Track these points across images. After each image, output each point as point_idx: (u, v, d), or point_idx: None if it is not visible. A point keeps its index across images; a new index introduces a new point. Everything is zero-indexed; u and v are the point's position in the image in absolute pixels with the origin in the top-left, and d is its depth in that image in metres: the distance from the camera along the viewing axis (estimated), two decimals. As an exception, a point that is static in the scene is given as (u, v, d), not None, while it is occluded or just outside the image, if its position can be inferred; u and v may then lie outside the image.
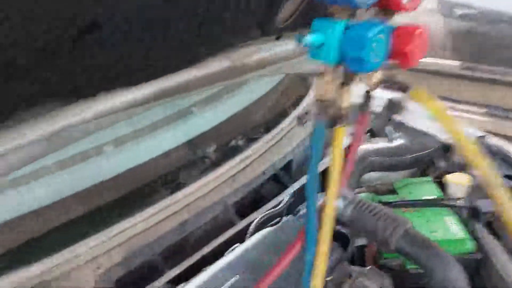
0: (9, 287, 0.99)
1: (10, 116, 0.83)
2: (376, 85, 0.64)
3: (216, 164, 1.39)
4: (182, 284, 1.04)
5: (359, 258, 1.26)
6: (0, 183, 1.11)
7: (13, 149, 0.86)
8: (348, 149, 0.75)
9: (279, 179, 1.56)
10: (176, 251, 1.23)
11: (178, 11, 0.87)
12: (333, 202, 0.70)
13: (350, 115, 0.61)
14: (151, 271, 1.17)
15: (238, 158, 1.41)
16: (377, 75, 0.62)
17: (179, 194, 1.28)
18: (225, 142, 1.50)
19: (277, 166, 1.56)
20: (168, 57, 1.01)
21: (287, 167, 1.60)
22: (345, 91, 0.59)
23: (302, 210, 1.30)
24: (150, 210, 1.23)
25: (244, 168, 1.42)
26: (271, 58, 1.20)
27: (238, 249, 1.11)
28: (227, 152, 1.45)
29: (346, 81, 0.58)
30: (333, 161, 0.65)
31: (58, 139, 0.94)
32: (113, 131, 1.34)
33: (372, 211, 1.16)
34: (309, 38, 0.48)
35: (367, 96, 0.68)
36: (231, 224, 1.30)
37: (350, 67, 0.52)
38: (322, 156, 0.70)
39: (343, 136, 0.64)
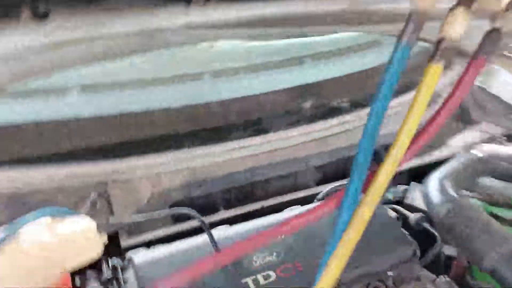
0: (70, 175, 1.01)
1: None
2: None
3: (308, 119, 1.25)
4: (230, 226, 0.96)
5: (442, 269, 1.05)
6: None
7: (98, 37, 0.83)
8: (444, 101, 0.53)
9: (376, 156, 1.36)
10: (239, 195, 1.15)
11: None
12: (394, 164, 0.52)
13: (454, 51, 0.43)
14: (208, 206, 1.12)
15: (335, 121, 1.25)
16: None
17: (259, 139, 1.18)
18: (326, 101, 1.34)
19: (379, 142, 1.37)
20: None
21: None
22: (460, 13, 0.41)
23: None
24: (224, 146, 1.16)
25: (338, 133, 1.25)
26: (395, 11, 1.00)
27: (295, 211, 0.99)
28: (325, 112, 1.30)
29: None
30: (415, 103, 0.47)
31: (149, 38, 0.89)
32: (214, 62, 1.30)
33: (476, 220, 0.94)
34: None
35: (494, 35, 0.46)
36: (305, 187, 1.18)
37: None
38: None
39: (437, 77, 0.45)
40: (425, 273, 0.91)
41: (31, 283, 0.71)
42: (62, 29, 0.78)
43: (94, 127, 1.13)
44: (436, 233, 1.05)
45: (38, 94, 1.16)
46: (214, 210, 1.10)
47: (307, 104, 1.27)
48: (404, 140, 0.49)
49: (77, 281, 0.87)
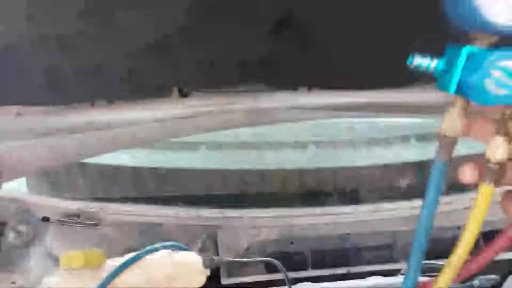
0: (189, 217, 1.24)
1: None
2: None
3: (403, 197, 1.33)
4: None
5: None
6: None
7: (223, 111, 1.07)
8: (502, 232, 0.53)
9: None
10: (328, 257, 1.26)
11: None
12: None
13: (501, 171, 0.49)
14: (298, 263, 1.24)
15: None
16: None
17: (353, 208, 1.29)
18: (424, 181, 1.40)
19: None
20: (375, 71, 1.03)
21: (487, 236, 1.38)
22: (500, 140, 0.49)
23: None
24: (320, 210, 1.29)
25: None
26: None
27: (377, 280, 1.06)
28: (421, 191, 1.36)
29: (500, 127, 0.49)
30: (467, 228, 0.49)
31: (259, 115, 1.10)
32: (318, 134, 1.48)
33: None
34: (423, 60, 0.44)
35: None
36: (392, 260, 1.24)
37: (468, 96, 0.45)
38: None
39: (489, 198, 0.47)
40: None
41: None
42: (198, 105, 1.02)
43: (214, 178, 1.36)
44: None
45: (177, 147, 1.45)
46: (303, 267, 1.22)
47: (404, 182, 1.35)
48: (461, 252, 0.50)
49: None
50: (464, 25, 0.43)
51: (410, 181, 1.35)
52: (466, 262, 0.53)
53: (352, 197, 1.35)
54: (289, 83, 1.02)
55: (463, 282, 1.12)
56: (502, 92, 0.41)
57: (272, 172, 1.39)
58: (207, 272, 0.98)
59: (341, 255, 1.26)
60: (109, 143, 1.05)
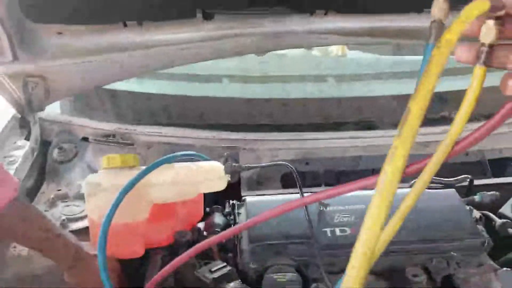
0: (214, 139, 1.35)
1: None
2: None
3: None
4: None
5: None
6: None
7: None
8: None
9: (482, 168, 1.43)
10: (341, 177, 1.35)
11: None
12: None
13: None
14: (313, 182, 1.35)
15: (438, 129, 1.37)
16: None
17: (368, 133, 1.38)
18: (436, 111, 1.47)
19: (486, 156, 1.44)
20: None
21: (498, 163, 1.45)
22: (491, 21, 0.52)
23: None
24: (336, 134, 1.39)
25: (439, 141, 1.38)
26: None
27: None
28: (433, 120, 1.43)
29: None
30: (463, 106, 0.52)
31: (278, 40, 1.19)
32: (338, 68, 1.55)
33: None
34: None
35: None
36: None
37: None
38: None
39: (481, 79, 0.51)
40: (490, 262, 1.00)
41: (179, 195, 1.04)
42: (222, 28, 1.11)
43: (237, 106, 1.47)
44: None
45: (202, 79, 1.56)
46: (317, 184, 1.32)
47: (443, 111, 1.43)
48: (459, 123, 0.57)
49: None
50: None
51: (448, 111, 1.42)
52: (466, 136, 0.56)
53: (365, 125, 1.43)
54: (307, 7, 1.09)
55: (464, 196, 1.21)
56: None
57: (291, 101, 1.48)
58: (228, 177, 1.09)
59: (353, 175, 1.36)
60: (141, 64, 1.15)
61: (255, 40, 1.15)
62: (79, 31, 1.07)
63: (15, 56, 1.06)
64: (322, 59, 1.59)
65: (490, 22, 0.51)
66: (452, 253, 1.01)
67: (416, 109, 0.54)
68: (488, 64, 0.53)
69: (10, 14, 0.98)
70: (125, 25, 1.07)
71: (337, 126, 1.44)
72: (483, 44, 0.51)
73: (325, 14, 1.10)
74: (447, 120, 1.44)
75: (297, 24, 1.13)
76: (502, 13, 0.50)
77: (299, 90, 1.54)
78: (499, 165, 1.47)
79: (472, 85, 0.54)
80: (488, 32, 0.51)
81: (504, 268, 0.98)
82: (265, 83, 1.57)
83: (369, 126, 1.43)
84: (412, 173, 0.60)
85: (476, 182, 1.30)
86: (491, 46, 0.51)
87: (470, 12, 0.49)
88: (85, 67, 1.15)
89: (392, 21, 1.08)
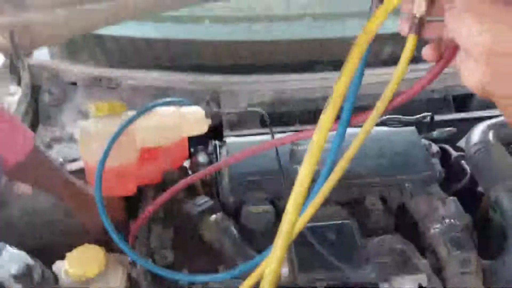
0: (195, 82, 1.43)
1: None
2: None
3: (383, 63, 1.47)
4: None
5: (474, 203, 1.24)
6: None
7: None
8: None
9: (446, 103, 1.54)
10: (314, 116, 1.46)
11: None
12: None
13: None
14: (288, 121, 1.45)
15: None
16: None
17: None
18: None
19: (450, 93, 1.55)
20: None
21: (463, 99, 1.56)
22: None
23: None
24: (309, 76, 1.47)
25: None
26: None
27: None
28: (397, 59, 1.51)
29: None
30: (399, 65, 0.61)
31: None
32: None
33: (497, 160, 1.14)
34: None
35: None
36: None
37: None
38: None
39: (413, 44, 0.59)
40: (439, 191, 1.15)
41: (163, 139, 1.15)
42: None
43: (215, 49, 1.53)
44: (468, 169, 1.25)
45: (184, 20, 1.60)
46: (292, 123, 1.43)
47: (387, 51, 1.50)
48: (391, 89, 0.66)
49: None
50: None
51: (391, 50, 1.49)
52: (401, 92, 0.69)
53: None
54: None
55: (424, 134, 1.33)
56: None
57: (268, 42, 1.54)
58: (209, 121, 1.20)
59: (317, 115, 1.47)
60: (125, 11, 1.20)
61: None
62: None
63: (1, 11, 1.10)
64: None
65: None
66: (406, 184, 1.15)
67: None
68: (418, 34, 0.62)
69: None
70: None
71: (311, 66, 1.52)
72: (414, 16, 0.60)
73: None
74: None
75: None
76: None
77: (275, 30, 1.59)
78: (462, 100, 1.58)
79: (405, 51, 0.64)
80: (419, 5, 0.60)
81: (451, 197, 1.13)
82: (242, 24, 1.61)
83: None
84: (358, 122, 0.72)
85: (439, 117, 1.42)
86: (421, 18, 0.61)
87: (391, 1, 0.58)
88: (68, 16, 1.19)
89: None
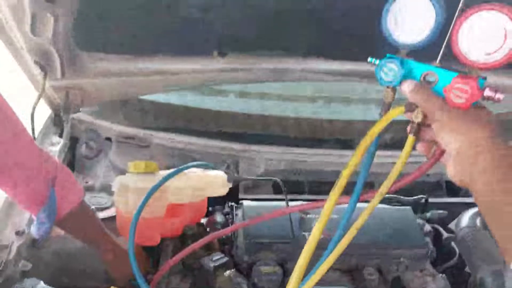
0: (217, 147, 1.61)
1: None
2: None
3: (385, 147, 1.65)
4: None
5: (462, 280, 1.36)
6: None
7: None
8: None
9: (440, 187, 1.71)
10: (321, 187, 1.62)
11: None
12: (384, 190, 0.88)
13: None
14: (298, 189, 1.61)
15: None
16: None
17: (346, 152, 1.64)
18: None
19: (443, 178, 1.71)
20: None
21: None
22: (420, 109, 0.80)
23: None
24: (320, 151, 1.65)
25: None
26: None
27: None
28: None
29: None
30: (398, 160, 0.78)
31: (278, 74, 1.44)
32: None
33: (483, 244, 1.28)
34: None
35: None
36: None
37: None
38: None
39: (411, 144, 0.77)
40: (430, 268, 1.28)
41: (189, 198, 1.29)
42: (232, 63, 1.37)
43: (239, 119, 1.73)
44: (457, 250, 1.39)
45: (213, 93, 1.82)
46: (301, 192, 1.59)
47: (388, 136, 1.69)
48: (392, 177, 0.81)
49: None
50: (390, 42, 0.76)
51: (392, 135, 1.68)
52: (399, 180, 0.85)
53: (346, 144, 1.69)
54: (302, 51, 1.35)
55: (421, 212, 1.48)
56: (388, 79, 0.75)
57: (285, 118, 1.74)
58: (229, 185, 1.35)
59: (331, 186, 1.63)
60: (165, 85, 1.40)
61: (258, 73, 1.40)
62: (118, 58, 1.31)
63: (63, 74, 1.30)
64: (315, 82, 1.84)
65: (419, 110, 0.77)
66: (401, 258, 1.28)
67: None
68: (416, 136, 0.79)
69: (65, 45, 1.22)
70: (155, 56, 1.32)
71: (321, 142, 1.70)
72: (414, 122, 0.78)
73: (316, 58, 1.36)
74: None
75: (292, 64, 1.38)
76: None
77: (292, 108, 1.80)
78: (455, 186, 1.74)
79: (405, 147, 0.81)
80: (417, 116, 0.77)
81: (440, 274, 1.26)
82: (264, 100, 1.83)
83: (349, 145, 1.70)
84: (366, 198, 0.88)
85: (433, 200, 1.58)
86: (419, 125, 0.78)
87: (390, 114, 0.77)
88: (118, 84, 1.39)
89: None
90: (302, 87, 1.86)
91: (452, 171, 0.70)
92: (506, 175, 0.63)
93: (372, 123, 0.82)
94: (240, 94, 1.81)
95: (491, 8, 0.67)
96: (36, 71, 1.30)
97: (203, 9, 1.20)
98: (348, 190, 0.87)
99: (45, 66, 1.26)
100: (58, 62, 1.25)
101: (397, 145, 0.85)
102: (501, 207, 0.63)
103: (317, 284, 1.20)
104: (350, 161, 0.83)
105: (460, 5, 0.71)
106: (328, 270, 1.24)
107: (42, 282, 1.15)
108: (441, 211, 1.49)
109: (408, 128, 0.80)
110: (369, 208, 0.88)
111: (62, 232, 1.32)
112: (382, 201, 1.45)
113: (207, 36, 1.25)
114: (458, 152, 0.68)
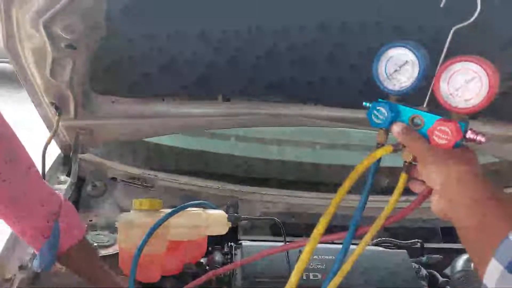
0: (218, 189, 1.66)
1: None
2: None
3: (381, 192, 1.70)
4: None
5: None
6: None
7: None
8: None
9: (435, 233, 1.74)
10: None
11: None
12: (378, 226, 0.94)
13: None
14: (296, 233, 1.64)
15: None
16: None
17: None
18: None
19: (438, 224, 1.75)
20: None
21: (449, 231, 1.75)
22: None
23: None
24: (315, 194, 1.70)
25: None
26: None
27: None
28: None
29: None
30: (392, 196, 0.85)
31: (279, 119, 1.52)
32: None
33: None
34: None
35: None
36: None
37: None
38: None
39: (403, 181, 0.85)
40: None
41: (189, 235, 1.33)
42: (235, 107, 1.45)
43: (238, 162, 1.79)
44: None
45: (214, 136, 1.89)
46: (299, 235, 1.62)
47: (384, 181, 1.74)
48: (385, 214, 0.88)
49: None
50: (381, 88, 0.84)
51: (388, 181, 1.74)
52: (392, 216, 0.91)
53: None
54: (300, 98, 1.44)
55: (417, 257, 1.51)
56: (378, 122, 0.82)
57: (284, 162, 1.81)
58: (229, 224, 1.39)
59: (328, 230, 1.66)
60: (171, 128, 1.48)
61: (259, 118, 1.48)
62: (128, 101, 1.40)
63: (76, 115, 1.38)
64: (314, 128, 1.92)
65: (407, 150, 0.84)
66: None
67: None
68: (408, 174, 0.85)
69: (80, 87, 1.31)
70: (163, 100, 1.41)
71: (319, 187, 1.76)
72: (405, 161, 0.85)
73: (315, 104, 1.44)
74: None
75: (292, 110, 1.47)
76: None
77: (291, 153, 1.88)
78: (450, 232, 1.78)
79: (399, 184, 0.87)
80: (406, 156, 0.84)
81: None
82: (264, 144, 1.91)
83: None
84: (360, 234, 0.93)
85: (429, 245, 1.61)
86: (410, 163, 0.85)
87: (378, 152, 0.84)
88: (127, 126, 1.47)
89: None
90: (302, 133, 1.94)
91: (435, 204, 0.76)
92: (485, 208, 0.69)
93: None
94: (240, 138, 1.89)
95: (466, 59, 0.75)
96: (50, 111, 1.38)
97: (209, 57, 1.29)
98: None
99: (60, 107, 1.34)
100: (72, 103, 1.34)
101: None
102: (473, 236, 0.68)
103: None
104: (339, 191, 0.89)
105: (443, 56, 0.80)
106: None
107: (43, 316, 1.17)
108: (436, 256, 1.52)
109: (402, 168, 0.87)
110: (362, 244, 0.92)
111: (63, 269, 1.35)
112: (377, 245, 1.52)
113: (212, 81, 1.34)
114: (442, 185, 0.74)
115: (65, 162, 1.67)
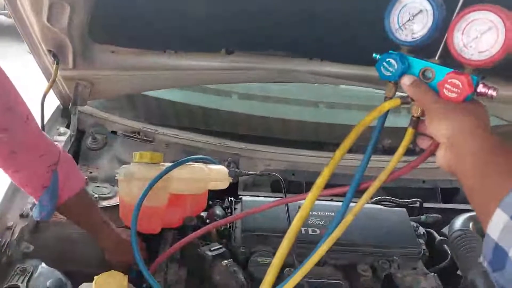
0: (220, 145, 1.65)
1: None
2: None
3: (382, 152, 1.69)
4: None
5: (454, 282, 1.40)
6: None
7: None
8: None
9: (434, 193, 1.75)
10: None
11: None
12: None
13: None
14: (297, 189, 1.65)
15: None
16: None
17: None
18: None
19: (439, 185, 1.76)
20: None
21: (449, 191, 1.76)
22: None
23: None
24: (318, 153, 1.69)
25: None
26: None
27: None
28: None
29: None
30: (398, 150, 0.83)
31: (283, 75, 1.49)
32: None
33: (473, 246, 1.32)
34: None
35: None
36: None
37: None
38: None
39: (410, 135, 0.82)
40: (422, 267, 1.31)
41: (191, 189, 1.33)
42: (239, 61, 1.41)
43: (241, 119, 1.77)
44: (449, 253, 1.42)
45: (217, 92, 1.86)
46: (299, 192, 1.63)
47: (386, 141, 1.73)
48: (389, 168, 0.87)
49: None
50: (392, 39, 0.81)
51: (391, 141, 1.72)
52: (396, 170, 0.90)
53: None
54: (306, 53, 1.40)
55: (415, 215, 1.52)
56: (387, 74, 0.79)
57: (286, 120, 1.78)
58: (230, 179, 1.39)
59: (327, 187, 1.67)
60: (172, 81, 1.45)
61: (263, 73, 1.45)
62: (128, 51, 1.36)
63: (74, 65, 1.34)
64: (317, 87, 1.88)
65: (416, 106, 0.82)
66: (394, 257, 1.31)
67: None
68: (415, 128, 0.83)
69: (79, 35, 1.27)
70: (164, 52, 1.37)
71: (321, 146, 1.75)
72: (412, 116, 0.83)
73: (321, 60, 1.41)
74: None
75: (297, 65, 1.43)
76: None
77: (293, 112, 1.85)
78: (449, 193, 1.79)
79: (405, 139, 0.86)
80: (415, 110, 0.82)
81: (432, 273, 1.30)
82: (266, 102, 1.88)
83: (349, 148, 1.74)
84: (364, 188, 0.92)
85: (428, 205, 1.62)
86: (418, 118, 0.83)
87: (385, 106, 0.81)
88: (127, 78, 1.44)
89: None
90: (303, 91, 1.91)
91: (442, 158, 0.74)
92: (492, 156, 0.68)
93: (374, 128, 0.87)
94: (241, 96, 1.86)
95: (483, 8, 0.72)
96: (49, 60, 1.35)
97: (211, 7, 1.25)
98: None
99: (57, 55, 1.30)
100: (71, 52, 1.30)
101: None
102: (479, 187, 0.67)
103: (313, 278, 1.25)
104: (344, 141, 0.87)
105: (459, 5, 0.76)
106: (323, 265, 1.30)
107: (43, 264, 1.18)
108: (435, 215, 1.53)
109: (408, 122, 0.85)
110: (364, 198, 0.92)
111: (64, 219, 1.36)
112: (377, 203, 1.52)
113: (216, 34, 1.30)
114: (449, 138, 0.72)
115: (64, 114, 1.65)
